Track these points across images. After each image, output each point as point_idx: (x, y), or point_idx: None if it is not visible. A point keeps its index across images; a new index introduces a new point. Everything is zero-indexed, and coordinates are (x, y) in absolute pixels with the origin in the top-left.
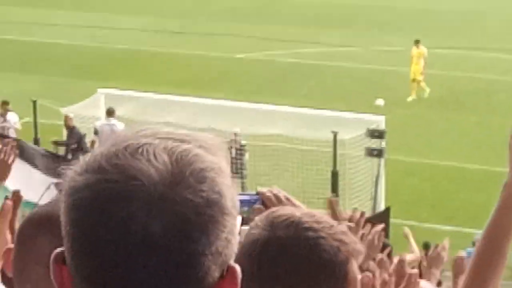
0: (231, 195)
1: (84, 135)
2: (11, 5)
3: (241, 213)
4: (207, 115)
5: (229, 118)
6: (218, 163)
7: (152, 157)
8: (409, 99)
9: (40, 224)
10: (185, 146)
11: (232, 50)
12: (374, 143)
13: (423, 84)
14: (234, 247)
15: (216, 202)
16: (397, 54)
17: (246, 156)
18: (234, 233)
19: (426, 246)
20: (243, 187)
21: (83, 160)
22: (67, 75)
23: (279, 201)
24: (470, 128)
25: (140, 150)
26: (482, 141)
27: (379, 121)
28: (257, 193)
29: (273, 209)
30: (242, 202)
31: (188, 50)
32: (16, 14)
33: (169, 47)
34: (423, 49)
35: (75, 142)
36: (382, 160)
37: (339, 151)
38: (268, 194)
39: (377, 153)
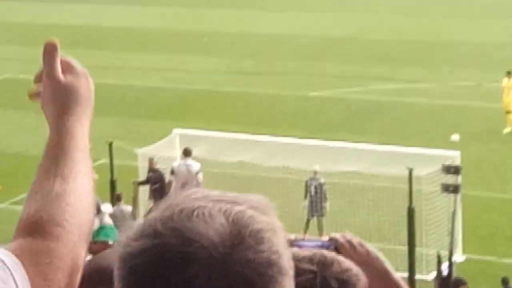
0: (287, 255)
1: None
2: (84, 49)
3: None
4: (281, 154)
5: (303, 157)
6: (273, 223)
7: (208, 219)
8: (506, 131)
9: (90, 278)
10: (238, 207)
11: (305, 88)
12: (450, 179)
13: (511, 116)
14: None
15: (276, 262)
16: (470, 89)
17: (328, 201)
18: None
19: (504, 282)
20: (320, 226)
21: (137, 225)
22: (141, 117)
23: (352, 247)
24: None
25: (195, 213)
26: None
27: (454, 157)
28: (330, 239)
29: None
30: (315, 247)
31: (261, 89)
32: (90, 57)
33: (242, 86)
34: None
35: (156, 183)
36: (459, 196)
37: (415, 187)
38: (342, 240)
39: (453, 189)
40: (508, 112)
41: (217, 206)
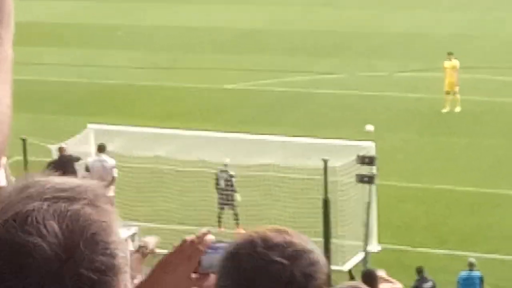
0: (123, 251)
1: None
2: None
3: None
4: (197, 147)
5: (219, 150)
6: (108, 219)
7: (43, 229)
8: (444, 111)
9: None
10: (74, 207)
11: (220, 81)
12: (365, 170)
13: (458, 96)
14: None
15: (110, 266)
16: (384, 79)
17: (238, 196)
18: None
19: (419, 271)
20: (236, 218)
21: None
22: (55, 112)
23: None
24: (460, 151)
25: (29, 219)
26: (473, 163)
27: (369, 147)
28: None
29: None
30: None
31: (176, 83)
32: None
33: (157, 80)
34: (455, 61)
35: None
36: (374, 186)
37: (330, 179)
38: None
39: (368, 180)
40: (449, 93)
41: (52, 208)
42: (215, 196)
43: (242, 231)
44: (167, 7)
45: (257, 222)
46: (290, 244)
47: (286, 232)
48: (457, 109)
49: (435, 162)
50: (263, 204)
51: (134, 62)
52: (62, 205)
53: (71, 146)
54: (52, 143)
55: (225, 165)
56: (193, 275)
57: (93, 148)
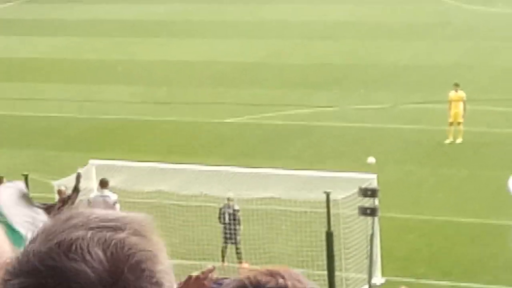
0: (169, 281)
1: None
2: None
3: None
4: (199, 182)
5: (221, 183)
6: (153, 249)
7: (87, 255)
8: (447, 142)
9: None
10: (119, 236)
11: (220, 115)
12: (367, 202)
13: (461, 127)
14: None
15: None
16: (385, 111)
17: (241, 226)
18: None
19: None
20: (238, 253)
21: (16, 259)
22: (57, 148)
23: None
24: (461, 182)
25: (73, 247)
26: (474, 194)
27: (371, 179)
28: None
29: None
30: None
31: (176, 117)
32: (3, 90)
33: (158, 115)
34: (461, 93)
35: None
36: (376, 219)
37: (332, 211)
38: None
39: (371, 212)
40: (452, 124)
41: (96, 236)
42: (217, 230)
43: (247, 266)
44: (166, 42)
45: (260, 256)
46: None
47: (280, 275)
48: (459, 140)
49: (437, 193)
50: (265, 238)
51: (134, 97)
52: (107, 234)
53: (72, 182)
54: (54, 179)
55: (229, 199)
56: None
57: (95, 184)
